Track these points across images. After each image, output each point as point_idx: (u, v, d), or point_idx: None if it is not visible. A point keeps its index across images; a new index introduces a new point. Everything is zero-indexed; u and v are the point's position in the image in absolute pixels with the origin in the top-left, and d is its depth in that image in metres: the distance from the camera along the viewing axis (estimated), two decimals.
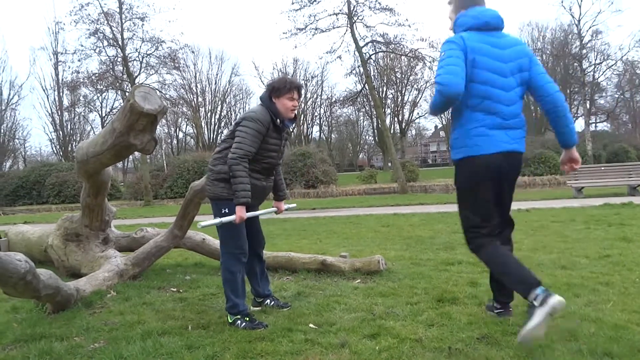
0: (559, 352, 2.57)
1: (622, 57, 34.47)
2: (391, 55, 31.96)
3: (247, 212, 3.39)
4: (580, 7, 31.22)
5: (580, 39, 32.01)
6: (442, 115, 56.06)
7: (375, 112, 38.04)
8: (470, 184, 3.00)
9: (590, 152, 29.71)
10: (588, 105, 35.40)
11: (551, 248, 5.57)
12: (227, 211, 3.32)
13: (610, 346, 2.58)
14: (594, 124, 41.15)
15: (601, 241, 5.85)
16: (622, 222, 7.32)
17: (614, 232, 6.45)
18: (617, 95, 42.76)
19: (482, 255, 2.98)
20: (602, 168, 14.84)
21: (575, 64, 34.50)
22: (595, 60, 34.63)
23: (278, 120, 3.40)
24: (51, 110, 43.60)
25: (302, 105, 52.79)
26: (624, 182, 13.52)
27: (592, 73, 35.25)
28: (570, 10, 31.97)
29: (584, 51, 32.30)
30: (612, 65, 35.58)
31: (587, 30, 31.52)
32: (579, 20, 31.13)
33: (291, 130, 3.67)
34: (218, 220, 3.22)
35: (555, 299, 2.52)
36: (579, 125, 43.59)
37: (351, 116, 57.42)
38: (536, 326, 2.50)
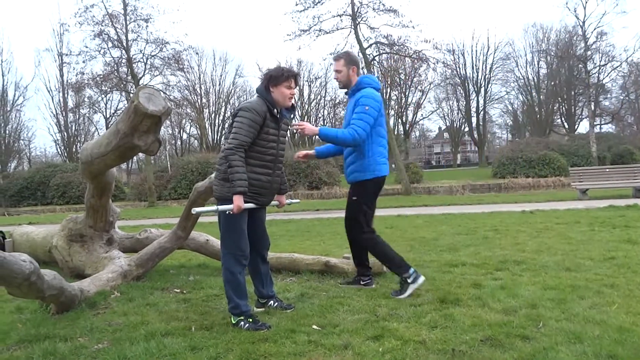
0: (563, 354, 2.56)
1: (627, 58, 34.29)
2: (395, 57, 31.90)
3: (257, 209, 3.39)
4: (585, 8, 30.87)
5: (584, 41, 31.82)
6: (445, 117, 56.15)
7: None
8: (374, 194, 4.17)
9: (595, 153, 29.53)
10: (593, 107, 35.24)
11: (555, 250, 5.55)
12: (234, 211, 3.32)
13: (615, 349, 2.57)
14: (598, 126, 41.00)
15: (606, 243, 5.82)
16: (627, 224, 7.28)
17: (619, 234, 6.41)
18: (622, 97, 42.58)
19: (374, 243, 4.13)
20: (607, 170, 14.77)
21: (580, 65, 34.38)
22: (600, 61, 34.46)
23: (275, 110, 3.42)
24: (56, 111, 43.84)
25: (306, 106, 52.80)
26: (629, 184, 13.44)
27: (596, 75, 35.15)
28: (575, 11, 31.71)
29: (589, 53, 32.11)
30: (617, 67, 35.42)
31: (592, 32, 31.32)
32: (583, 22, 30.95)
33: (291, 117, 3.70)
34: (214, 207, 3.23)
35: (422, 278, 3.96)
36: (584, 127, 43.52)
37: None
38: (408, 295, 3.84)
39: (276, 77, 3.43)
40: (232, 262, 3.38)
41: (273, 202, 3.74)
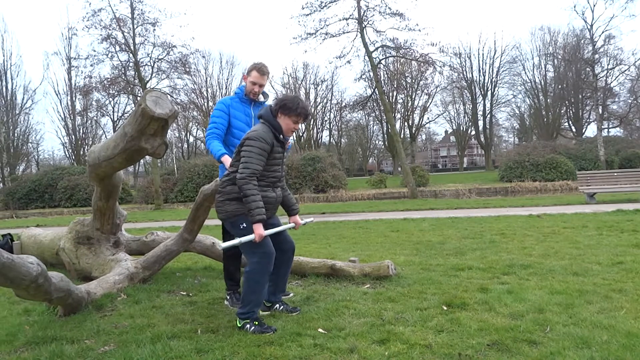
0: (570, 359, 2.54)
1: (635, 62, 34.22)
2: (401, 60, 31.95)
3: (263, 226, 3.43)
4: (593, 11, 30.79)
5: (592, 44, 31.70)
6: (451, 121, 56.02)
7: (385, 117, 38.03)
8: None
9: (602, 157, 29.38)
10: (600, 111, 35.03)
11: (563, 254, 5.52)
12: (244, 225, 3.36)
13: (623, 354, 2.55)
14: (606, 130, 40.73)
15: (614, 248, 5.78)
16: (635, 229, 7.23)
17: (627, 239, 6.37)
18: (630, 101, 42.29)
19: None
20: (615, 174, 14.66)
21: (588, 69, 34.21)
22: (608, 65, 34.35)
23: (281, 136, 3.48)
24: (64, 114, 44.16)
25: (312, 109, 52.83)
26: (637, 188, 13.34)
27: (604, 78, 34.91)
28: (583, 15, 31.68)
29: (597, 56, 31.97)
30: (625, 71, 35.29)
31: (600, 35, 31.19)
32: (591, 25, 30.84)
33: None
34: (237, 240, 3.23)
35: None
36: (591, 130, 43.20)
37: (361, 121, 57.38)
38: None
39: (289, 108, 3.46)
40: (260, 271, 3.37)
41: (289, 225, 3.75)
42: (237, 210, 3.39)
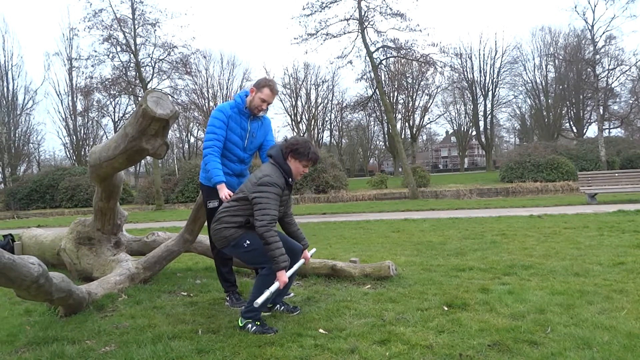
0: (571, 359, 2.54)
1: (636, 62, 34.11)
2: (402, 61, 31.90)
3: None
4: (593, 12, 30.94)
5: (593, 44, 31.67)
6: (452, 121, 56.03)
7: (385, 117, 38.02)
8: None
9: (603, 158, 29.34)
10: (601, 111, 35.02)
11: (564, 255, 5.51)
12: (249, 242, 3.39)
13: (625, 355, 2.55)
14: (607, 130, 40.73)
15: (615, 248, 5.77)
16: (636, 229, 7.22)
17: (628, 239, 6.36)
18: (631, 101, 42.27)
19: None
20: (616, 174, 14.66)
21: (589, 69, 34.18)
22: (609, 65, 34.31)
23: (290, 180, 3.49)
24: (65, 115, 44.21)
25: (313, 110, 52.88)
26: (638, 189, 13.34)
27: (605, 78, 34.87)
28: (584, 15, 31.69)
29: (598, 56, 31.93)
30: (626, 71, 35.26)
31: (601, 36, 31.14)
32: (592, 26, 30.80)
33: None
34: (268, 292, 3.25)
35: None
36: (592, 131, 43.17)
37: (362, 121, 57.38)
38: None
39: (301, 153, 3.48)
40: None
41: (300, 262, 3.74)
42: (235, 233, 3.42)
